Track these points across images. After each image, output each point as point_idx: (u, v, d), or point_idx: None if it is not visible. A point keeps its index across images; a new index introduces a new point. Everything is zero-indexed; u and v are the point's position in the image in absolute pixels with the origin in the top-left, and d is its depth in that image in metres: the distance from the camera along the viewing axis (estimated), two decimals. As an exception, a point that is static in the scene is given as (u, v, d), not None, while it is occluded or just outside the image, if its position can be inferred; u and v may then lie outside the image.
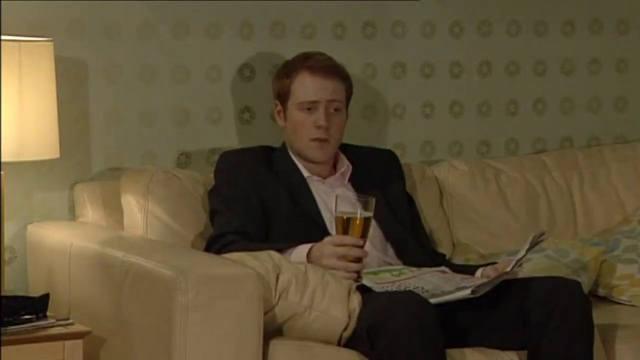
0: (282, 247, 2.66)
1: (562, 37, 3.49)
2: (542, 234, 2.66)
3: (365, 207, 2.60)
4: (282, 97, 2.87)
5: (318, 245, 2.63)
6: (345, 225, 2.60)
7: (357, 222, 2.59)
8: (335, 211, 2.61)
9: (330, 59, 2.90)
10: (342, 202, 2.64)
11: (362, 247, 2.60)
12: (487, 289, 2.55)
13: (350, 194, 2.85)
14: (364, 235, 2.60)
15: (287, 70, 2.88)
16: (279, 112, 2.90)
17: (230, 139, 3.15)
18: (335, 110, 2.85)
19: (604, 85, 3.56)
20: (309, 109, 2.83)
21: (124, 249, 2.64)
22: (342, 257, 2.59)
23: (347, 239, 2.59)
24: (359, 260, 2.60)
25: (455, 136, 3.41)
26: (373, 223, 2.79)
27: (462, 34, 3.39)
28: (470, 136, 3.42)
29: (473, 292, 2.53)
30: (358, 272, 2.60)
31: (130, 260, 2.57)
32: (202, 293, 2.42)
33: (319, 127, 2.82)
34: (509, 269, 2.60)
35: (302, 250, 2.65)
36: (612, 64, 3.56)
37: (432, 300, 2.53)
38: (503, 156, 3.41)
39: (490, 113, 3.44)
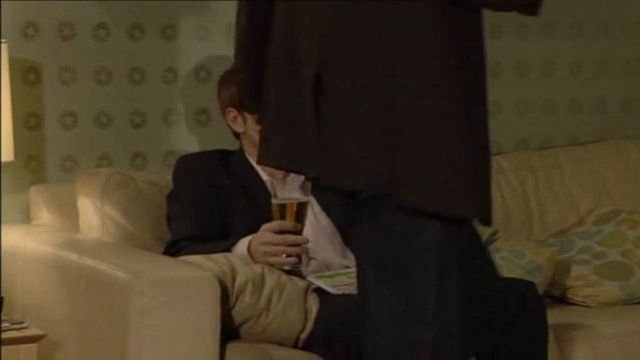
0: (228, 245, 2.65)
1: (516, 39, 3.52)
2: (495, 233, 2.67)
3: (302, 192, 2.61)
4: (238, 103, 2.85)
5: (257, 234, 2.64)
6: (282, 211, 2.60)
7: (294, 207, 2.60)
8: (273, 198, 2.62)
9: None
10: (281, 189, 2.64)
11: (300, 231, 2.60)
12: None
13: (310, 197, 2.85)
14: (300, 220, 2.60)
15: (239, 76, 2.86)
16: (234, 118, 2.88)
17: (186, 141, 3.14)
18: None
19: (558, 87, 3.59)
20: None
21: (79, 251, 2.63)
22: (281, 242, 2.59)
23: (284, 224, 2.59)
24: (297, 244, 2.60)
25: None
26: (330, 225, 2.80)
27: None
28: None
29: None
30: (299, 256, 2.60)
31: (86, 263, 2.56)
32: (158, 296, 2.41)
33: None
34: None
35: (243, 243, 2.65)
36: (566, 66, 3.59)
37: None
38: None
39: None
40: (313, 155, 2.00)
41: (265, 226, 2.62)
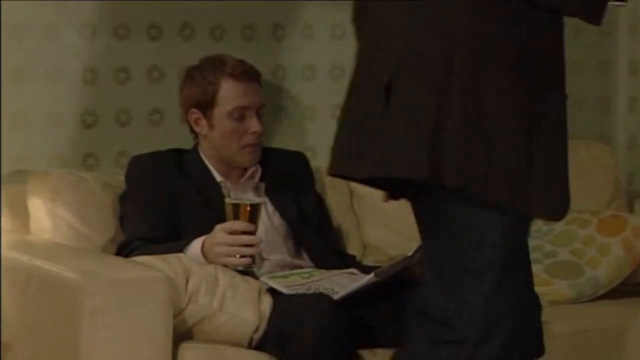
0: (181, 246, 2.65)
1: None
2: None
3: (255, 193, 2.61)
4: (204, 105, 2.83)
5: (210, 235, 2.63)
6: (235, 211, 2.60)
7: (247, 208, 2.60)
8: (226, 198, 2.62)
9: (242, 60, 2.89)
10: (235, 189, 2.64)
11: (253, 232, 2.60)
12: (391, 271, 2.58)
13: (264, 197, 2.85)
14: (253, 220, 2.61)
15: (205, 78, 2.84)
16: (196, 119, 2.86)
17: (139, 141, 3.13)
18: (260, 114, 2.85)
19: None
20: (239, 116, 2.81)
21: (30, 252, 2.61)
22: (234, 243, 2.58)
23: (238, 224, 2.59)
24: (251, 245, 2.60)
25: (365, 138, 3.43)
26: (284, 226, 2.80)
27: (372, 36, 3.41)
28: (380, 138, 3.45)
29: (377, 274, 2.56)
30: (252, 257, 2.60)
31: (36, 264, 2.54)
32: (111, 297, 2.40)
33: (254, 133, 2.81)
34: (410, 253, 2.63)
35: (197, 243, 2.65)
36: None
37: (337, 296, 2.55)
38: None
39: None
40: (385, 155, 2.02)
41: (218, 227, 2.62)
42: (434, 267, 2.09)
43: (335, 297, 2.55)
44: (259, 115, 2.84)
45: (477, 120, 2.00)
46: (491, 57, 2.01)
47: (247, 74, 2.84)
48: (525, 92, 2.02)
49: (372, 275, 2.56)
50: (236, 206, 2.60)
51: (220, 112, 2.82)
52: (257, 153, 2.86)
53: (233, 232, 2.59)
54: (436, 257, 2.09)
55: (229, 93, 2.81)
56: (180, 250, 2.63)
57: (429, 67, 2.00)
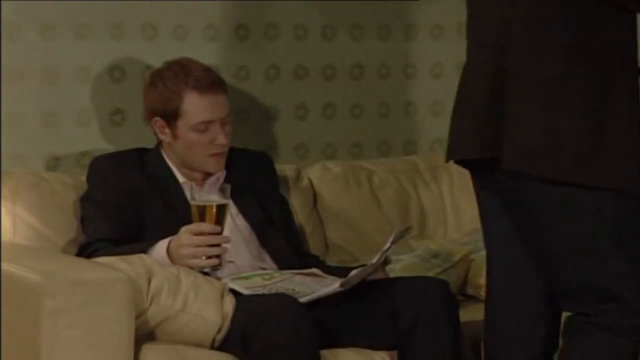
0: (145, 247, 2.63)
1: (431, 40, 3.56)
2: (408, 228, 2.70)
3: (221, 194, 2.60)
4: (168, 116, 2.79)
5: (176, 236, 2.62)
6: (201, 213, 2.59)
7: (213, 209, 2.59)
8: (191, 199, 2.61)
9: (207, 69, 2.83)
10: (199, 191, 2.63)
11: (220, 233, 2.59)
12: (355, 281, 2.58)
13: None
14: (220, 222, 2.60)
15: (168, 88, 2.79)
16: (160, 127, 2.83)
17: (100, 142, 3.11)
18: (225, 122, 2.83)
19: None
20: (204, 128, 2.79)
21: (-11, 253, 2.58)
22: (201, 244, 2.58)
23: (204, 226, 2.58)
24: (217, 245, 2.59)
25: (329, 138, 3.44)
26: (247, 228, 2.79)
27: (335, 37, 3.42)
28: (344, 138, 3.45)
29: (342, 285, 2.56)
30: (219, 257, 2.60)
31: (-4, 265, 2.52)
32: (72, 298, 2.39)
33: (219, 144, 2.80)
34: (374, 260, 2.63)
35: (162, 245, 2.63)
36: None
37: (303, 299, 2.55)
38: (375, 158, 3.45)
39: (362, 115, 3.48)
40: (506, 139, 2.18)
41: (184, 228, 2.61)
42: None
43: (302, 299, 2.55)
44: (224, 124, 2.82)
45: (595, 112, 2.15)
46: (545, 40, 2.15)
47: (212, 86, 2.78)
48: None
49: (337, 285, 2.56)
50: (202, 208, 2.59)
51: (184, 124, 2.78)
52: (222, 162, 2.84)
53: (199, 234, 2.58)
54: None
55: (193, 107, 2.77)
56: (144, 251, 2.61)
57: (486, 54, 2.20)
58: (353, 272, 2.59)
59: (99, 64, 3.11)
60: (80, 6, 3.07)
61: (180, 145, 2.81)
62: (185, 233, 2.59)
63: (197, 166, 2.83)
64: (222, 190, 2.61)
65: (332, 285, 2.58)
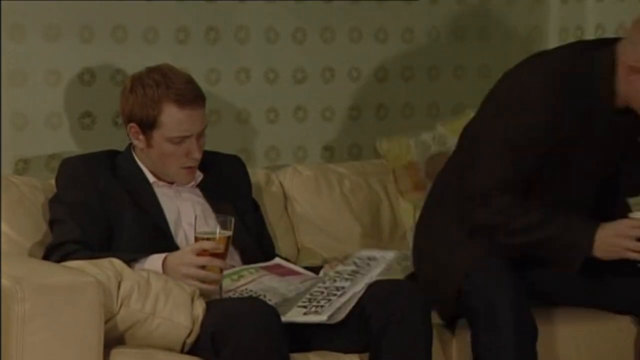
0: (130, 258, 2.61)
1: (402, 43, 3.57)
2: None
3: (224, 227, 2.59)
4: (145, 124, 2.76)
5: (176, 253, 2.60)
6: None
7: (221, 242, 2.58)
8: (195, 232, 2.59)
9: (189, 81, 2.79)
10: (202, 221, 2.62)
11: (221, 255, 2.58)
12: (342, 315, 2.57)
13: (199, 199, 2.83)
14: (225, 250, 2.59)
15: (147, 97, 2.75)
16: (135, 132, 2.80)
17: (70, 145, 3.09)
18: (201, 135, 2.82)
19: (441, 90, 3.64)
20: (180, 141, 2.77)
21: (-43, 258, 2.56)
22: (202, 267, 2.57)
23: (207, 244, 2.57)
24: (219, 271, 2.58)
25: (300, 141, 3.43)
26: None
27: (305, 40, 3.42)
28: (314, 141, 3.46)
29: (329, 319, 2.55)
30: (217, 282, 2.59)
31: (-36, 269, 2.50)
32: (40, 302, 2.37)
33: (193, 158, 2.78)
34: (359, 288, 2.62)
35: (155, 258, 2.61)
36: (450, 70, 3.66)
37: (284, 319, 2.53)
38: (346, 161, 3.45)
39: (333, 118, 3.48)
40: None
41: (188, 248, 2.59)
42: None
43: (284, 319, 2.53)
44: (200, 136, 2.80)
45: None
46: None
47: (193, 100, 2.75)
48: None
49: (324, 317, 2.55)
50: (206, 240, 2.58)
51: (160, 134, 2.76)
52: (193, 174, 2.83)
53: (202, 253, 2.57)
54: None
55: (172, 120, 2.74)
56: (128, 262, 2.58)
57: None
58: (339, 305, 2.57)
59: (68, 67, 3.09)
60: (49, 7, 3.05)
61: (154, 154, 2.79)
62: (188, 253, 2.57)
63: (168, 176, 2.82)
64: (224, 223, 2.59)
65: (318, 314, 2.55)
